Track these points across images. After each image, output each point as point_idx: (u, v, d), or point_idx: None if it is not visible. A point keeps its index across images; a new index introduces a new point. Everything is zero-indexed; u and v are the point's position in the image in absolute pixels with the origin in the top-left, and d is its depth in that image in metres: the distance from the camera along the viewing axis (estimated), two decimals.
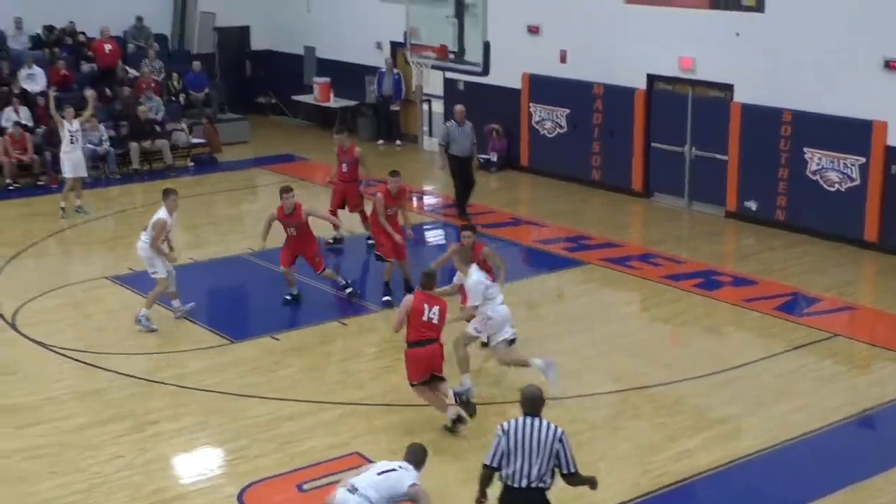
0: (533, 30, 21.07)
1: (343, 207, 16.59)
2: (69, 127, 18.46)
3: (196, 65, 24.52)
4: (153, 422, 11.00)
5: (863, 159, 16.31)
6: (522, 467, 7.59)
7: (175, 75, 24.21)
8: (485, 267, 12.03)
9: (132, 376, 12.06)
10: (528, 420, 7.67)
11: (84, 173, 18.86)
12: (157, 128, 22.04)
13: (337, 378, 12.08)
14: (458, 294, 12.15)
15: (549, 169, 21.12)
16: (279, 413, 11.14)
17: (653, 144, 19.37)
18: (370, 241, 15.67)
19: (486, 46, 20.18)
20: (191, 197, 19.52)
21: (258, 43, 27.67)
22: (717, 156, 18.30)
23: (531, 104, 21.24)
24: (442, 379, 10.74)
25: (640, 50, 19.13)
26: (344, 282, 14.52)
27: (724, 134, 18.07)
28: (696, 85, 18.61)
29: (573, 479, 7.77)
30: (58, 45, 24.05)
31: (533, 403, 7.76)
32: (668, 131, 19.06)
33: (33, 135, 20.90)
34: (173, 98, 23.88)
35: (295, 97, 26.53)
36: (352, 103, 25.33)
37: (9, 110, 21.36)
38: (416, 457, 8.16)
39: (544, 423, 7.68)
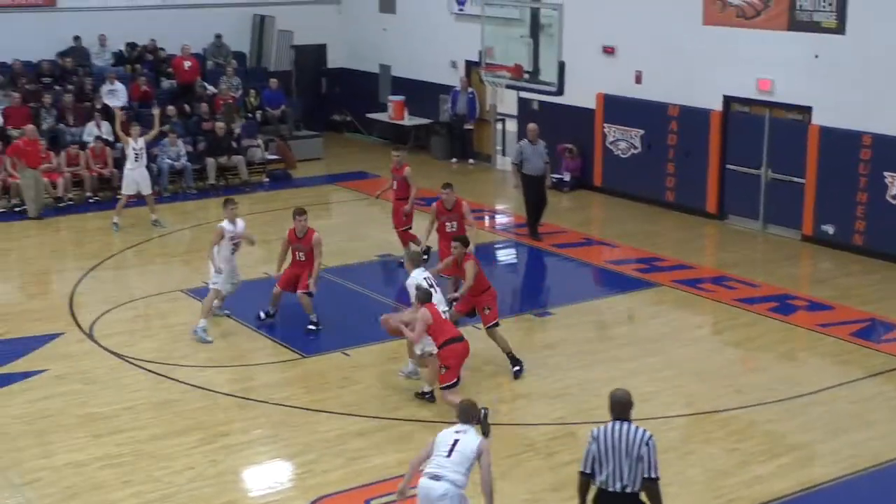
0: (608, 50, 21.00)
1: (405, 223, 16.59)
2: (133, 145, 18.75)
3: (273, 82, 24.83)
4: (224, 434, 11.13)
5: None
6: (615, 471, 7.63)
7: (252, 92, 24.55)
8: (458, 272, 12.84)
9: (204, 388, 12.23)
10: (617, 424, 7.74)
11: (148, 190, 19.11)
12: (234, 144, 22.36)
13: (406, 395, 12.11)
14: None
15: (622, 189, 21.02)
16: (348, 428, 11.20)
17: (728, 166, 19.18)
18: (425, 258, 15.54)
19: (561, 66, 20.21)
20: (265, 212, 19.76)
21: (334, 61, 27.99)
22: (794, 178, 18.06)
23: (605, 124, 21.15)
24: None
25: (717, 71, 19.00)
26: (314, 318, 13.99)
27: (801, 157, 17.83)
28: (774, 107, 18.40)
29: (653, 486, 7.72)
30: (139, 61, 24.59)
31: (622, 407, 7.81)
32: (744, 153, 18.85)
33: (114, 149, 21.29)
34: (250, 115, 24.21)
35: (369, 115, 26.73)
36: (426, 122, 25.47)
37: (91, 125, 21.85)
38: (467, 415, 8.42)
39: (633, 426, 7.73)
